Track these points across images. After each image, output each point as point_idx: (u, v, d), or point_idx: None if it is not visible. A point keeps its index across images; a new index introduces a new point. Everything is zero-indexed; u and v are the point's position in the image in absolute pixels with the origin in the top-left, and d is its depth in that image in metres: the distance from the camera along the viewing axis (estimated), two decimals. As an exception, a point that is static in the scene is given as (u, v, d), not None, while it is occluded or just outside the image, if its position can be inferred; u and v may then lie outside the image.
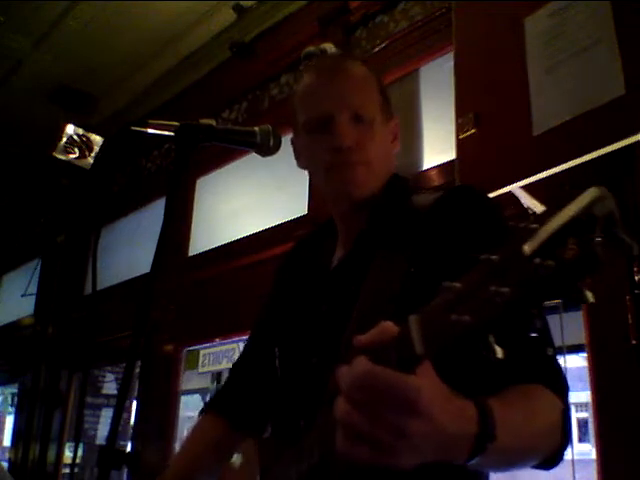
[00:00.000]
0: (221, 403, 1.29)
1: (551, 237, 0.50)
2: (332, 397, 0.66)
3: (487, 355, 0.54)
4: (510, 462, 0.81)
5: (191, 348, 3.39)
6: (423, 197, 1.09)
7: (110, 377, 4.28)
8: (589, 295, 0.50)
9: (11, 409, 5.34)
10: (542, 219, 0.51)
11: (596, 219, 0.49)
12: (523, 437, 0.77)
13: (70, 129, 3.37)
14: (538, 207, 1.50)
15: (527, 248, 0.51)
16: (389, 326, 0.66)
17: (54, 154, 3.35)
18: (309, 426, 0.91)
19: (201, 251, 3.35)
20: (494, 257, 0.54)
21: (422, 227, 1.00)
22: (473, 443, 0.67)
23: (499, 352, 0.55)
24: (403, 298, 0.93)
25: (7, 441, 5.45)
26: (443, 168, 2.24)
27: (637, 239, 0.52)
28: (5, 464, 4.29)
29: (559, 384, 0.87)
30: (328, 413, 0.66)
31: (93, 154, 3.35)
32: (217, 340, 3.19)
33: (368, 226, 1.09)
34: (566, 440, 0.85)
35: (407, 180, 1.17)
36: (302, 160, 1.19)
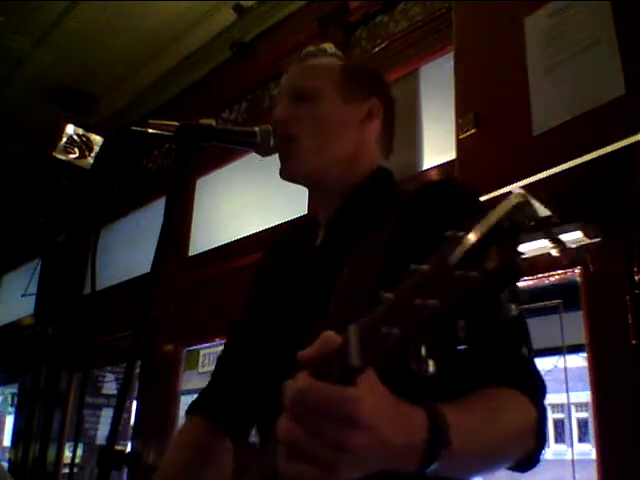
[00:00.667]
0: (206, 404, 1.26)
1: (473, 246, 0.49)
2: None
3: (418, 369, 0.53)
4: (475, 467, 0.79)
5: (191, 348, 3.39)
6: (405, 188, 1.08)
7: (110, 377, 4.28)
8: (512, 308, 0.50)
9: (11, 409, 5.34)
10: (469, 227, 0.50)
11: (517, 226, 0.49)
12: (485, 441, 0.76)
13: (70, 129, 3.37)
14: (538, 208, 1.49)
15: (452, 258, 0.50)
16: (331, 337, 0.64)
17: (54, 154, 3.35)
18: (268, 434, 0.90)
19: (201, 251, 3.35)
20: (424, 267, 0.53)
21: (401, 215, 0.99)
22: (424, 451, 0.65)
23: (431, 365, 0.53)
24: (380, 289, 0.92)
25: (7, 441, 5.45)
26: (443, 168, 2.24)
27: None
28: (5, 464, 4.29)
29: (531, 385, 0.85)
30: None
31: (93, 154, 3.35)
32: (217, 340, 3.19)
33: (340, 214, 1.10)
34: (541, 442, 0.83)
35: (391, 173, 1.16)
36: None
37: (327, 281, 1.01)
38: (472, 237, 0.50)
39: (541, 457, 0.84)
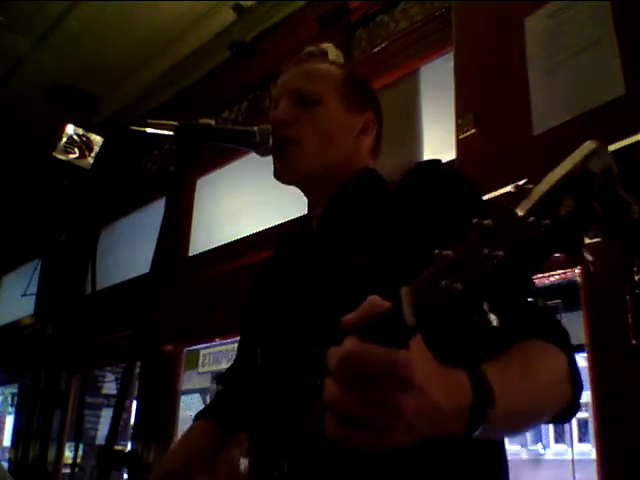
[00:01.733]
0: (213, 409, 1.28)
1: (545, 195, 0.47)
2: (313, 388, 0.65)
3: (481, 323, 0.52)
4: (520, 424, 0.79)
5: (191, 348, 3.39)
6: (393, 183, 1.09)
7: (110, 377, 4.28)
8: (587, 255, 0.48)
9: (11, 409, 5.33)
10: (537, 179, 0.49)
11: (593, 175, 0.46)
12: (527, 396, 0.75)
13: (70, 129, 3.36)
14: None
15: (521, 209, 0.48)
16: (377, 300, 0.63)
17: (54, 154, 3.34)
18: (291, 417, 0.89)
19: (201, 251, 3.35)
20: (487, 221, 0.51)
21: (390, 205, 0.99)
22: (469, 414, 0.65)
23: (494, 320, 0.52)
24: (376, 279, 0.91)
25: (7, 441, 5.45)
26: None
27: (637, 199, 0.50)
28: (5, 464, 4.29)
29: (558, 334, 0.85)
30: (311, 401, 0.64)
31: (93, 154, 3.35)
32: (217, 340, 3.19)
33: (328, 207, 1.11)
34: (578, 389, 0.83)
35: (380, 175, 1.17)
36: None
37: (322, 273, 1.02)
38: (543, 187, 0.47)
39: (580, 403, 0.84)
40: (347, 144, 1.14)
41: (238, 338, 1.34)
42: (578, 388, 0.83)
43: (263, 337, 1.15)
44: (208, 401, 4.27)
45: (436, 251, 0.55)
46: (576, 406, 0.83)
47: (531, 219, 0.47)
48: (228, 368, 1.33)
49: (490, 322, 0.51)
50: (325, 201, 1.13)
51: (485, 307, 0.52)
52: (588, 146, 0.47)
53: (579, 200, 0.46)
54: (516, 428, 0.80)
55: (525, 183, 0.49)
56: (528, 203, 0.48)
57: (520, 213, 0.48)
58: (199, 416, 1.28)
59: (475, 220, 0.52)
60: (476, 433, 0.66)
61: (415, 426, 0.61)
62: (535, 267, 0.49)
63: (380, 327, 0.60)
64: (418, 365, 0.59)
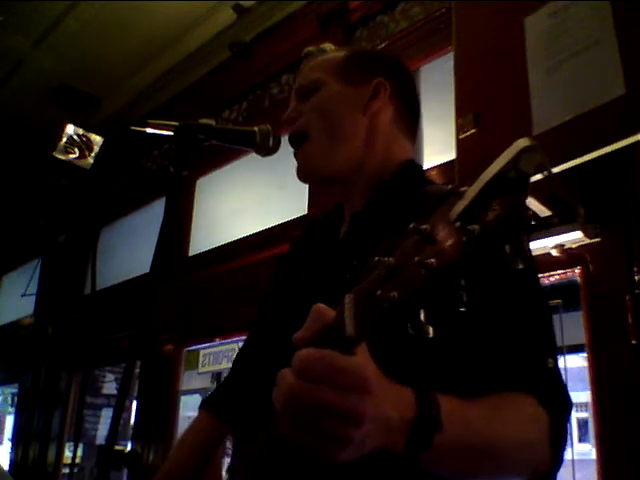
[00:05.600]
0: (218, 402, 1.26)
1: (475, 198, 0.44)
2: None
3: (417, 334, 0.49)
4: (475, 467, 0.72)
5: (191, 348, 3.39)
6: (436, 187, 1.05)
7: (110, 377, 4.28)
8: (518, 262, 0.44)
9: (11, 409, 5.34)
10: (474, 180, 0.46)
11: (526, 176, 0.43)
12: (484, 437, 0.70)
13: (70, 129, 3.35)
14: (539, 207, 1.49)
15: (452, 213, 0.46)
16: (322, 310, 0.61)
17: (54, 154, 3.34)
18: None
19: (201, 251, 3.35)
20: (424, 226, 0.48)
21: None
22: (413, 430, 0.61)
23: (430, 331, 0.49)
24: None
25: (7, 441, 5.45)
26: (443, 168, 2.24)
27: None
28: (5, 464, 4.29)
29: (552, 398, 0.79)
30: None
31: (93, 154, 3.35)
32: (217, 340, 3.19)
33: (368, 205, 1.05)
34: (556, 459, 0.77)
35: (422, 169, 1.13)
36: None
37: (350, 273, 0.98)
38: (474, 189, 0.45)
39: (560, 464, 0.78)
40: (357, 119, 1.08)
41: (242, 337, 1.31)
42: (555, 461, 0.77)
43: (281, 330, 1.14)
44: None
45: (376, 258, 0.53)
46: (556, 468, 0.78)
47: (459, 224, 0.45)
48: (238, 352, 1.30)
49: (426, 332, 0.49)
50: (361, 196, 1.07)
51: (421, 317, 0.49)
52: (519, 144, 0.44)
53: (507, 202, 0.43)
54: (471, 471, 0.72)
55: (463, 185, 0.47)
56: (459, 206, 0.45)
57: (451, 218, 0.46)
58: (204, 405, 1.26)
59: (412, 225, 0.49)
60: (422, 454, 0.62)
61: (369, 436, 0.58)
62: (465, 273, 0.46)
63: (327, 338, 0.58)
64: (369, 370, 0.57)
